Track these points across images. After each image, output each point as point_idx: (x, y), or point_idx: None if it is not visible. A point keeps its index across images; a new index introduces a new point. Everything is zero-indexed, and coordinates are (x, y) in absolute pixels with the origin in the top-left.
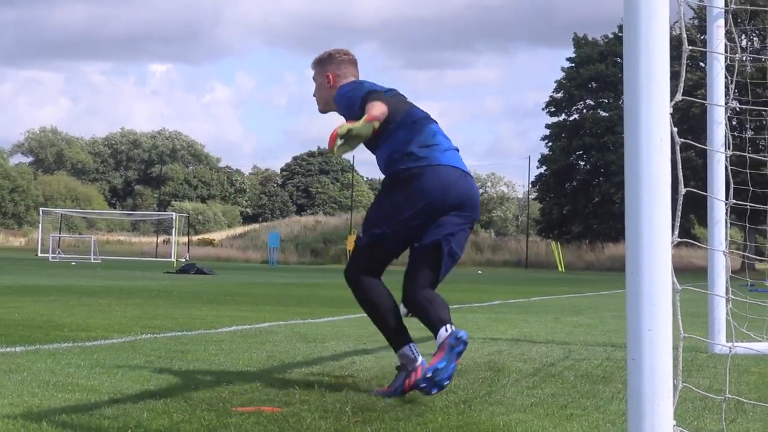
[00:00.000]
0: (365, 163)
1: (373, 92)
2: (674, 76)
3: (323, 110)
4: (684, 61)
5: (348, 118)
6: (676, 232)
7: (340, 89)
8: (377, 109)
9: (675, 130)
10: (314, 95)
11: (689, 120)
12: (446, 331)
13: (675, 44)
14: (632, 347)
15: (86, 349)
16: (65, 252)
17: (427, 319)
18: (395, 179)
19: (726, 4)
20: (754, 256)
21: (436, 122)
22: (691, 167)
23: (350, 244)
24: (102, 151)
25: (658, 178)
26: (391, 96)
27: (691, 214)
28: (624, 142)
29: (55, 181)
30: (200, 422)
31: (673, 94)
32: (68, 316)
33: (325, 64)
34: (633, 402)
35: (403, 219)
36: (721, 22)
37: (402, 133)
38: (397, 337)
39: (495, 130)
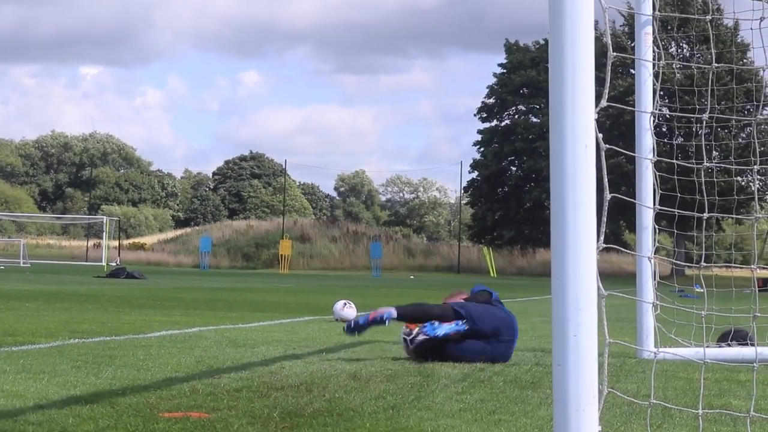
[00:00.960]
0: (297, 168)
1: None
2: (601, 82)
3: None
4: (609, 67)
5: None
6: (602, 238)
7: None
8: None
9: (600, 136)
10: None
11: (620, 126)
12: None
13: (605, 50)
14: (558, 353)
15: (12, 354)
16: None
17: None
18: None
19: (654, 11)
20: (682, 263)
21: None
22: (621, 173)
23: (282, 249)
24: (32, 154)
25: (583, 184)
26: None
27: (621, 219)
28: (549, 148)
29: None
30: (126, 428)
31: (599, 100)
32: None
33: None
34: (559, 408)
35: None
36: (649, 29)
37: None
38: None
39: (428, 134)
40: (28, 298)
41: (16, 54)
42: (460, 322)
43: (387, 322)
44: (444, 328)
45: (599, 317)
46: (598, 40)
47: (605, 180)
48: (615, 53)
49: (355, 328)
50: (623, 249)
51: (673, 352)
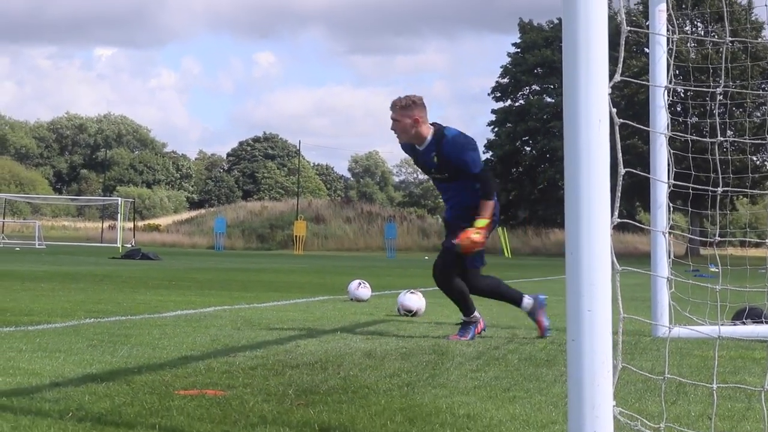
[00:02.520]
0: (311, 149)
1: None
2: (615, 61)
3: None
4: (623, 42)
5: (445, 164)
6: (616, 213)
7: (460, 135)
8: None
9: (614, 110)
10: (402, 136)
11: (634, 106)
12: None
13: (618, 30)
14: (572, 328)
15: (28, 333)
16: (9, 237)
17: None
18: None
19: None
20: (697, 241)
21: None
22: (636, 153)
23: (297, 230)
24: (47, 136)
25: (597, 159)
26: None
27: (636, 200)
28: (563, 124)
29: None
30: (142, 405)
31: (613, 77)
32: (11, 301)
33: (411, 109)
34: (573, 382)
35: None
36: (663, 6)
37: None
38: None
39: (442, 115)
40: (43, 279)
41: (31, 35)
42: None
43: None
44: None
45: (613, 293)
46: (612, 18)
47: (619, 155)
48: (629, 28)
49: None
50: (638, 224)
51: (689, 328)
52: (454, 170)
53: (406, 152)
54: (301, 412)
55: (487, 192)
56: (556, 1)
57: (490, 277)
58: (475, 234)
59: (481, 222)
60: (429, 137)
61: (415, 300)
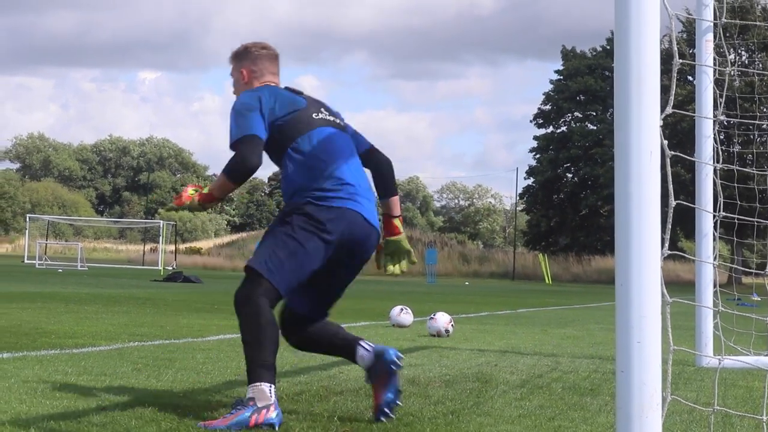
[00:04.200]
0: None
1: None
2: (664, 89)
3: None
4: (675, 74)
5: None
6: (666, 245)
7: (240, 96)
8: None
9: (665, 143)
10: (234, 93)
11: (678, 135)
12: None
13: (665, 57)
14: (621, 359)
15: (73, 356)
16: (52, 259)
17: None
18: None
19: (715, 18)
20: (741, 268)
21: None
22: (679, 182)
23: None
24: (90, 158)
25: (648, 191)
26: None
27: (677, 227)
28: (614, 155)
29: (42, 187)
30: (189, 430)
31: (663, 107)
32: (55, 323)
33: (241, 58)
34: (622, 414)
35: None
36: (710, 36)
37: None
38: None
39: (483, 141)
40: (86, 301)
41: (76, 59)
42: None
43: None
44: None
45: (663, 324)
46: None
47: (670, 186)
48: (680, 60)
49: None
50: (685, 254)
51: (734, 359)
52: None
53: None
54: None
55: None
56: (599, 29)
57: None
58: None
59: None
60: None
61: (407, 319)
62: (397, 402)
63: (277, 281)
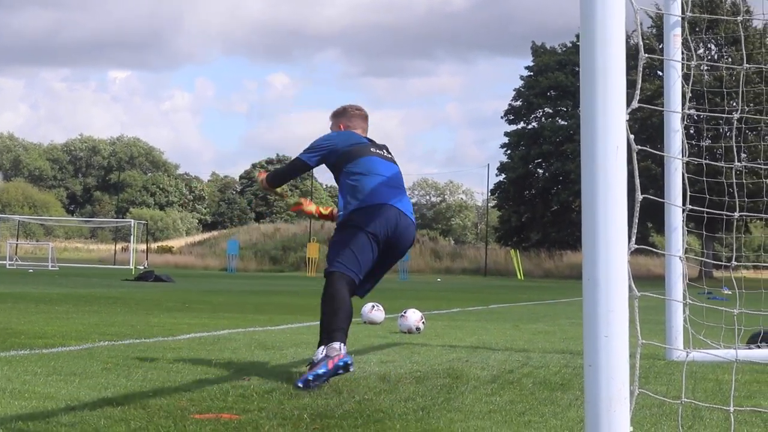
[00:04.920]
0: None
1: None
2: (632, 84)
3: None
4: (641, 69)
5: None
6: (633, 239)
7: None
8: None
9: (632, 137)
10: None
11: (648, 129)
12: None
13: (633, 53)
14: (589, 353)
15: (43, 356)
16: (22, 259)
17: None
18: None
19: (683, 13)
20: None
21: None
22: (649, 176)
23: (310, 252)
24: (60, 158)
25: (614, 185)
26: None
27: (648, 222)
28: (581, 150)
29: (12, 187)
30: (158, 429)
31: (630, 101)
32: (25, 324)
33: (340, 116)
34: (590, 408)
35: None
36: (678, 30)
37: None
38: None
39: (455, 137)
40: (57, 301)
41: (46, 58)
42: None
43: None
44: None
45: (631, 318)
46: (626, 41)
47: (637, 181)
48: (646, 54)
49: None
50: (654, 249)
51: (704, 352)
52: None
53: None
54: None
55: None
56: (569, 25)
57: None
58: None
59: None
60: None
61: (379, 316)
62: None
63: (345, 269)
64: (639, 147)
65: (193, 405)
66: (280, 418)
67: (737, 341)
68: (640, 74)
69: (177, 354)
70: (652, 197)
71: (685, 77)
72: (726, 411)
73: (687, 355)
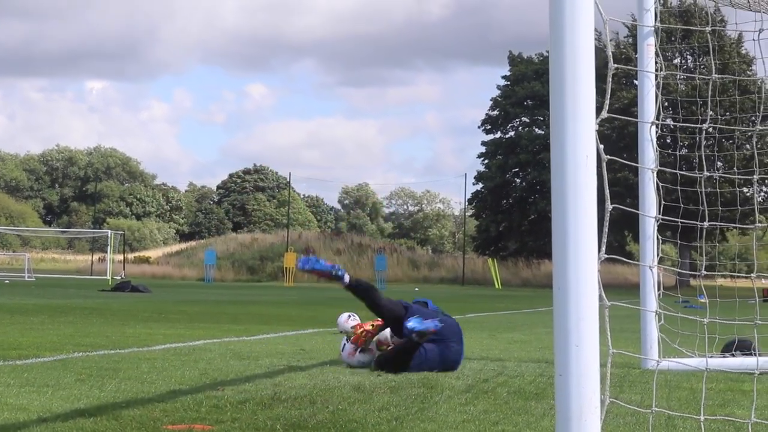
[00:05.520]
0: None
1: None
2: (604, 93)
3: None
4: (609, 79)
5: None
6: (603, 248)
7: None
8: None
9: (602, 147)
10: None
11: (625, 138)
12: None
13: (606, 62)
14: (560, 363)
15: (17, 367)
16: None
17: None
18: None
19: (655, 23)
20: (687, 272)
21: None
22: (627, 185)
23: (287, 262)
24: (37, 168)
25: (584, 194)
26: None
27: (625, 230)
28: (551, 159)
29: None
30: None
31: (601, 111)
32: None
33: None
34: (561, 417)
35: None
36: (652, 40)
37: None
38: None
39: (433, 147)
40: (32, 312)
41: (23, 68)
42: (437, 321)
43: (339, 278)
44: (428, 324)
45: (602, 327)
46: (601, 51)
47: (606, 190)
48: (616, 65)
49: (307, 262)
50: (625, 259)
51: (677, 361)
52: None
53: None
54: None
55: None
56: (546, 34)
57: None
58: None
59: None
60: None
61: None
62: None
63: None
64: (609, 157)
65: (166, 416)
66: (254, 428)
67: (707, 350)
68: (609, 84)
69: (151, 365)
70: (621, 207)
71: (659, 86)
72: (699, 420)
73: (658, 365)
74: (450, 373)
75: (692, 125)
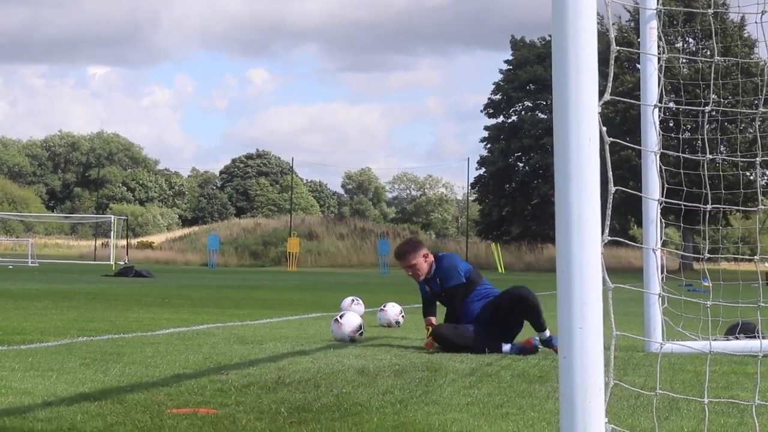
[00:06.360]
0: (304, 166)
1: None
2: (605, 76)
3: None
4: (612, 61)
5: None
6: (606, 231)
7: (444, 260)
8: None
9: (604, 129)
10: (414, 273)
11: (628, 121)
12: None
13: (609, 46)
14: (563, 345)
15: (21, 352)
16: (2, 255)
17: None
18: None
19: (657, 6)
20: (690, 255)
21: None
22: (630, 168)
23: (290, 247)
24: (39, 154)
25: (587, 177)
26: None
27: (629, 214)
28: (554, 142)
29: None
30: (135, 424)
31: (604, 94)
32: (3, 320)
33: (418, 248)
34: (565, 399)
35: None
36: (654, 23)
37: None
38: None
39: (435, 131)
40: (36, 297)
41: (24, 54)
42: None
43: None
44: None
45: (606, 310)
46: (604, 35)
47: (610, 173)
48: (618, 47)
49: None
50: (629, 242)
51: (681, 344)
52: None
53: (425, 289)
54: (294, 430)
55: None
56: (548, 18)
57: None
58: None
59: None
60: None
61: (359, 309)
62: None
63: None
64: (612, 139)
65: (170, 399)
66: (258, 412)
67: (710, 333)
68: (612, 67)
69: (155, 349)
70: (624, 189)
71: (662, 69)
72: (702, 402)
73: (661, 347)
74: (454, 356)
75: (695, 108)
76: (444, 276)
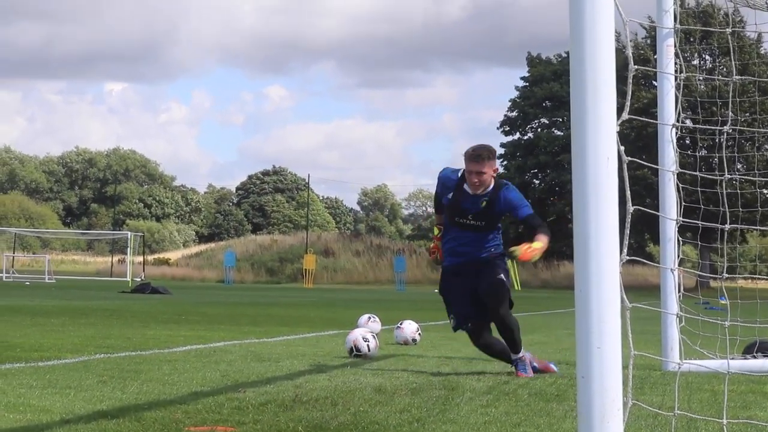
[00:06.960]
0: (320, 182)
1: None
2: (624, 94)
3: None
4: (630, 80)
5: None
6: (625, 250)
7: (513, 192)
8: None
9: (622, 148)
10: (479, 181)
11: (644, 138)
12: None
13: (626, 63)
14: (582, 365)
15: (39, 369)
16: (19, 272)
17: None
18: None
19: (675, 24)
20: (707, 275)
21: None
22: (646, 185)
23: (306, 263)
24: (56, 170)
25: (605, 196)
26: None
27: (645, 232)
28: (572, 161)
29: (8, 200)
30: None
31: (621, 112)
32: (21, 337)
33: (494, 157)
34: (583, 420)
35: None
36: (671, 41)
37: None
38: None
39: (451, 148)
40: (53, 314)
41: (42, 71)
42: None
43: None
44: None
45: (624, 329)
46: (621, 52)
47: (628, 192)
48: (636, 66)
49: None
50: (646, 261)
51: (698, 363)
52: (495, 219)
53: (443, 187)
54: None
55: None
56: (564, 35)
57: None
58: (535, 245)
59: (538, 244)
60: (491, 185)
61: (376, 327)
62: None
63: None
64: (630, 158)
65: (188, 417)
66: (275, 430)
67: (728, 352)
68: (630, 86)
69: (172, 366)
70: (642, 208)
71: (679, 87)
72: (721, 423)
73: (679, 367)
74: (471, 375)
75: (712, 127)
76: (514, 203)
